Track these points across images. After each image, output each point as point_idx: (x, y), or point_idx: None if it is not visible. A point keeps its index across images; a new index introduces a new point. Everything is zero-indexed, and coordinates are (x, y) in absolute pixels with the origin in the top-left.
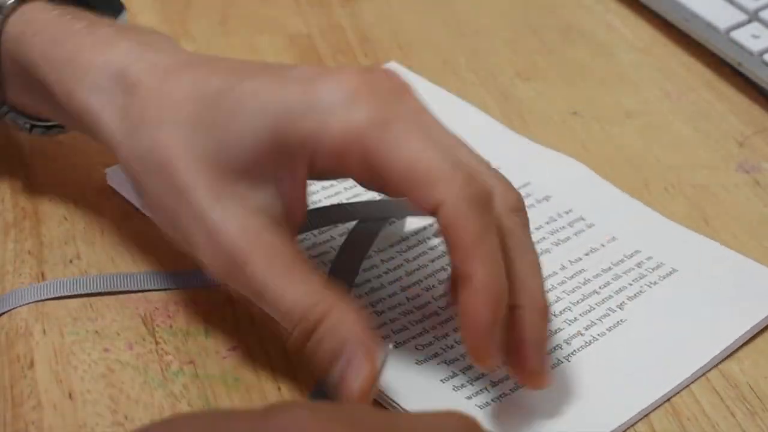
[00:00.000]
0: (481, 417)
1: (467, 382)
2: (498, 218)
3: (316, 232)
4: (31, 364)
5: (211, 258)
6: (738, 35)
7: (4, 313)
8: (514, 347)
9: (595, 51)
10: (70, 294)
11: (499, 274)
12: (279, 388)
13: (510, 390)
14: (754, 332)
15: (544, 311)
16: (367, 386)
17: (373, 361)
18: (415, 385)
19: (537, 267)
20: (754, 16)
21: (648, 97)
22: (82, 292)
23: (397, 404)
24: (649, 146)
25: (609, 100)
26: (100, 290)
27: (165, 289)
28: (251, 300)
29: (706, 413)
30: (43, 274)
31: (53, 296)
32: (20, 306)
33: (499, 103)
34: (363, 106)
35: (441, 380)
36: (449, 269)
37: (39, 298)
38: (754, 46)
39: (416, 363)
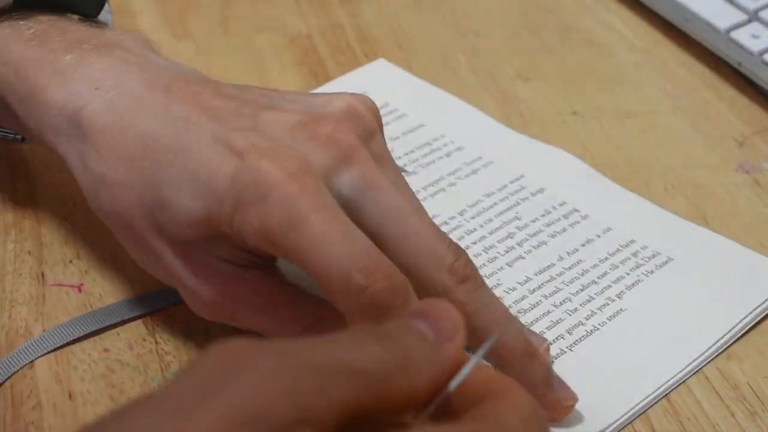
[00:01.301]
0: None
1: None
2: (450, 290)
3: None
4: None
5: (199, 309)
6: (738, 35)
7: (15, 373)
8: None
9: (595, 51)
10: (78, 336)
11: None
12: None
13: None
14: (754, 319)
15: (526, 350)
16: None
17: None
18: None
19: (504, 316)
20: (754, 16)
21: (648, 97)
22: (91, 330)
23: None
24: (649, 146)
25: (609, 100)
26: (106, 323)
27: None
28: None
29: (706, 413)
30: (43, 274)
31: (62, 343)
32: (37, 358)
33: (499, 103)
34: (279, 206)
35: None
36: None
37: (48, 349)
38: (754, 46)
39: None
